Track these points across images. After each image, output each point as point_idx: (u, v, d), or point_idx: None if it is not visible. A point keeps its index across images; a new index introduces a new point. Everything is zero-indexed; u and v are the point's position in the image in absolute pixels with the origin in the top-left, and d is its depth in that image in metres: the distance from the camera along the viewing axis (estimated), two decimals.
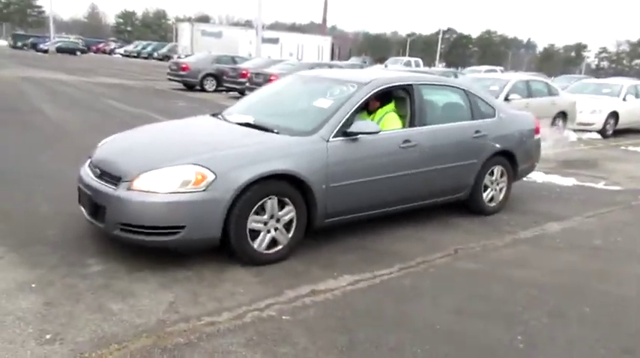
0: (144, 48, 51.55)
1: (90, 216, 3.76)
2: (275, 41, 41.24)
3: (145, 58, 49.16)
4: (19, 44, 52.08)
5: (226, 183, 3.49)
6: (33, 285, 3.25)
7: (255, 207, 3.63)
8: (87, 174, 3.93)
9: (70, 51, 46.03)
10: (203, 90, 19.10)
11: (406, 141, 4.53)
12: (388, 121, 4.73)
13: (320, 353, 2.74)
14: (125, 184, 3.51)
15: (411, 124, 4.70)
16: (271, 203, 3.71)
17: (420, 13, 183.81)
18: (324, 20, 59.29)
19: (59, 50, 45.04)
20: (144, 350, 2.65)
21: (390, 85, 4.76)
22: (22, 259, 3.63)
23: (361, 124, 4.18)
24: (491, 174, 5.37)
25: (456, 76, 15.71)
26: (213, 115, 4.91)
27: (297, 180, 3.79)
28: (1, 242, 3.88)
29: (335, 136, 4.06)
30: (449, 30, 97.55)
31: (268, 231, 3.75)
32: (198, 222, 3.45)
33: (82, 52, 48.38)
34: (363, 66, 18.32)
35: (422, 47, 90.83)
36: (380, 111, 4.83)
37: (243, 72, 16.73)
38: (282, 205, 3.79)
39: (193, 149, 3.83)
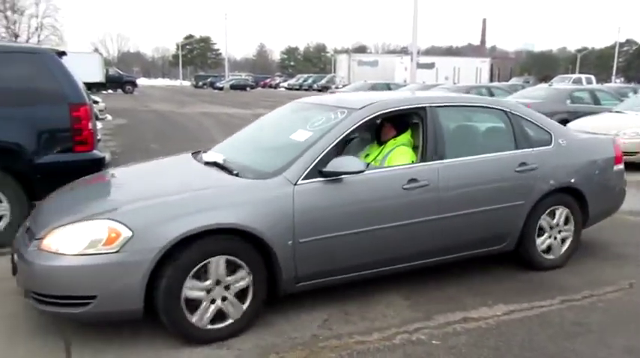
0: (305, 80, 54.90)
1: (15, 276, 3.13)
2: (430, 66, 41.10)
3: (306, 89, 52.35)
4: (200, 83, 59.18)
5: (148, 241, 2.79)
6: None
7: (193, 271, 2.89)
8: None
9: (241, 87, 50.89)
10: None
11: (412, 180, 3.51)
12: (396, 156, 3.80)
13: None
14: (36, 243, 2.90)
15: (423, 158, 3.66)
16: (215, 265, 2.94)
17: (592, 26, 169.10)
18: (483, 41, 57.58)
19: (232, 87, 50.08)
20: None
21: (393, 109, 3.74)
22: None
23: (339, 162, 3.27)
24: (549, 217, 4.15)
25: (635, 92, 14.09)
26: (195, 153, 4.11)
27: (250, 236, 3.02)
28: None
29: (306, 178, 3.21)
30: (627, 42, 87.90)
31: (213, 302, 2.98)
32: (112, 290, 2.77)
33: (252, 87, 53.19)
34: (525, 86, 17.36)
35: (595, 62, 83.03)
36: (391, 143, 3.92)
37: None
38: (234, 268, 3.03)
39: (117, 199, 3.28)
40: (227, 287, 3.01)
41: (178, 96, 36.21)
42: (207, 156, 3.77)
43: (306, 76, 59.42)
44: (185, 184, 3.34)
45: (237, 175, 3.34)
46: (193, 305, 2.93)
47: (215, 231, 2.93)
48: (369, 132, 4.21)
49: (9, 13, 34.94)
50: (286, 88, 57.75)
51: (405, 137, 3.94)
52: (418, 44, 24.99)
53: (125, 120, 16.48)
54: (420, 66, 30.19)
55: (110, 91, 36.77)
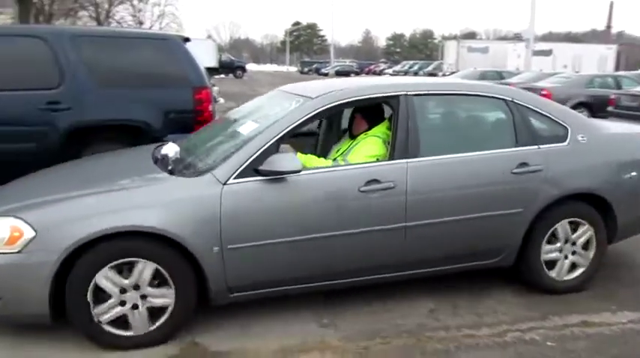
0: (410, 67, 53.85)
1: None
2: (547, 53, 38.49)
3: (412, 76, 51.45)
4: (306, 69, 60.30)
5: (51, 242, 2.56)
6: None
7: (92, 283, 2.64)
8: None
9: (346, 73, 51.05)
10: None
11: (373, 181, 3.00)
12: (360, 149, 3.34)
13: None
14: None
15: (392, 156, 3.13)
16: (105, 274, 2.65)
17: None
18: (609, 26, 52.86)
19: (337, 73, 50.45)
20: (404, 348, 2.83)
21: (352, 98, 3.20)
22: None
23: (274, 159, 2.83)
24: (562, 230, 3.42)
25: None
26: (158, 146, 3.67)
27: (170, 241, 2.69)
28: None
29: (239, 176, 2.81)
30: None
31: (135, 307, 2.74)
32: (16, 293, 2.58)
33: (356, 73, 53.18)
34: None
35: None
36: (361, 137, 3.47)
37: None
38: (159, 282, 2.77)
39: (33, 194, 2.90)
40: (144, 297, 2.74)
41: (284, 81, 36.95)
42: (165, 149, 3.32)
43: (412, 62, 58.24)
44: (113, 180, 3.01)
45: (170, 172, 3.00)
46: (104, 300, 2.70)
47: (130, 234, 2.66)
48: (353, 123, 3.69)
49: (135, 1, 37.80)
50: (391, 75, 57.23)
51: (379, 129, 3.46)
52: (534, 30, 23.53)
53: (235, 103, 17.25)
54: (535, 53, 28.35)
55: (222, 76, 38.63)
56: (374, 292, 3.40)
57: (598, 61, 38.96)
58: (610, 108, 11.24)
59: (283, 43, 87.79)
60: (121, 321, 2.74)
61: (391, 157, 3.13)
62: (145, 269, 2.68)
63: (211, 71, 34.88)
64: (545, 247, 3.41)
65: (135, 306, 2.73)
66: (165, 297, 2.76)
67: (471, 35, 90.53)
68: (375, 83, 3.58)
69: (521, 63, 31.31)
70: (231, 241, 2.78)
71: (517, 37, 34.30)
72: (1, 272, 2.55)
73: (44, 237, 2.56)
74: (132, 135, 4.85)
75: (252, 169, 2.84)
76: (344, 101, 3.20)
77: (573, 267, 3.51)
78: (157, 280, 2.75)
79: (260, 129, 3.06)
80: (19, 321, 2.83)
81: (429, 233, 3.13)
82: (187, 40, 5.39)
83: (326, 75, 50.13)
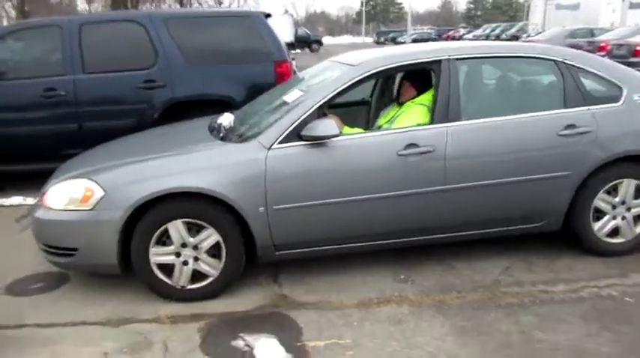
0: (492, 30, 51.43)
1: None
2: None
3: (494, 40, 49.18)
4: (382, 39, 59.35)
5: (116, 201, 2.89)
6: None
7: (155, 236, 2.95)
8: None
9: (424, 41, 49.85)
10: None
11: (411, 145, 3.09)
12: (405, 117, 3.36)
13: None
14: (40, 198, 3.19)
15: (432, 121, 3.18)
16: (175, 228, 2.95)
17: None
18: None
19: (414, 42, 49.32)
20: (479, 302, 2.97)
21: (393, 64, 3.28)
22: None
23: (314, 125, 2.99)
24: (612, 193, 3.34)
25: None
26: (215, 116, 3.93)
27: (218, 201, 2.94)
28: None
29: (283, 141, 3.00)
30: None
31: (185, 263, 3.02)
32: (91, 245, 2.95)
33: (434, 40, 51.75)
34: None
35: None
36: (408, 104, 3.50)
37: (602, 44, 15.09)
38: (197, 229, 3.01)
39: (104, 160, 3.25)
40: (196, 248, 3.00)
41: None
42: (221, 119, 3.64)
43: (494, 25, 55.56)
44: (172, 147, 3.32)
45: (222, 139, 3.26)
46: (167, 268, 3.02)
47: (181, 195, 2.92)
48: (402, 91, 3.71)
49: None
50: (471, 40, 55.02)
51: (426, 97, 3.44)
52: None
53: None
54: (632, 5, 26.09)
55: (298, 50, 39.03)
56: (447, 251, 3.54)
57: None
58: (601, 54, 10.33)
59: (359, 13, 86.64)
60: (168, 270, 3.04)
61: (431, 122, 3.20)
62: (178, 228, 2.95)
63: (288, 46, 35.60)
64: (597, 203, 3.35)
65: (196, 259, 3.03)
66: (209, 238, 3.00)
67: None
68: (419, 49, 3.65)
69: (616, 18, 28.96)
70: (275, 202, 2.99)
71: None
72: (77, 226, 2.94)
73: (112, 196, 2.90)
74: (219, 109, 5.22)
75: (296, 135, 3.02)
76: (385, 67, 3.30)
77: (636, 221, 3.44)
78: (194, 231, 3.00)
79: (303, 97, 3.24)
80: (92, 271, 3.23)
81: (470, 196, 3.18)
82: (269, 15, 5.66)
83: (403, 44, 49.16)
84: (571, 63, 3.38)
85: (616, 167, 3.30)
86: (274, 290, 3.21)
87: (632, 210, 3.40)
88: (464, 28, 68.77)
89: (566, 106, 3.30)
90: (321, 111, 3.14)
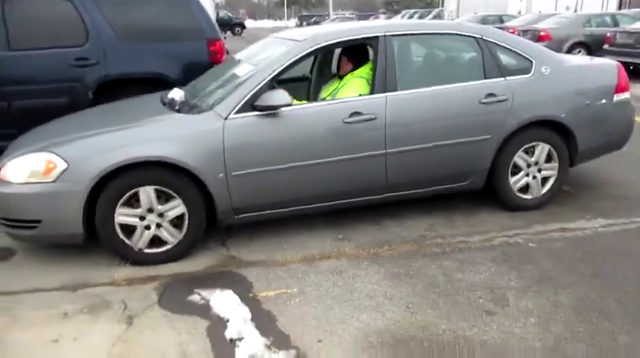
0: (411, 16, 53.08)
1: None
2: None
3: None
4: (304, 23, 59.50)
5: (80, 172, 3.00)
6: None
7: (123, 199, 3.09)
8: None
9: None
10: None
11: (355, 113, 3.41)
12: (347, 88, 3.69)
13: (562, 275, 3.02)
14: None
15: (373, 91, 3.52)
16: (146, 195, 3.11)
17: None
18: None
19: None
20: (408, 253, 3.36)
21: (336, 40, 3.59)
22: None
23: (268, 96, 3.24)
24: (526, 154, 3.83)
25: None
26: (165, 92, 4.11)
27: (181, 169, 3.13)
28: None
29: (239, 112, 3.23)
30: None
31: (147, 228, 3.19)
32: (54, 216, 3.05)
33: None
34: None
35: None
36: (348, 77, 3.83)
37: (510, 30, 16.21)
38: (166, 198, 3.20)
39: (64, 134, 3.31)
40: (161, 215, 3.18)
41: None
42: (172, 94, 3.82)
43: (412, 11, 57.22)
44: (131, 120, 3.41)
45: (178, 111, 3.45)
46: (129, 231, 3.17)
47: (144, 164, 3.07)
48: (339, 65, 4.07)
49: None
50: None
51: (363, 71, 3.79)
52: None
53: None
54: None
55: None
56: (379, 212, 3.91)
57: (601, 0, 38.24)
58: (606, 47, 11.47)
59: None
60: (129, 231, 3.19)
61: (372, 92, 3.52)
62: (148, 195, 3.12)
63: None
64: (515, 162, 3.82)
65: (159, 225, 3.21)
66: (176, 208, 3.18)
67: None
68: (358, 26, 3.95)
69: (523, 6, 30.97)
70: (234, 168, 3.22)
71: None
72: (40, 198, 3.02)
73: (75, 168, 3.01)
74: (153, 87, 5.27)
75: (250, 105, 3.24)
76: (329, 42, 3.58)
77: (544, 181, 3.95)
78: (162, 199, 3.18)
79: (254, 70, 3.47)
80: (55, 241, 3.29)
81: (407, 159, 3.54)
82: None
83: None
84: (489, 39, 3.80)
85: (530, 131, 3.77)
86: (223, 253, 3.43)
87: (543, 172, 3.91)
88: (383, 13, 70.24)
89: (485, 77, 3.72)
90: (272, 84, 3.37)
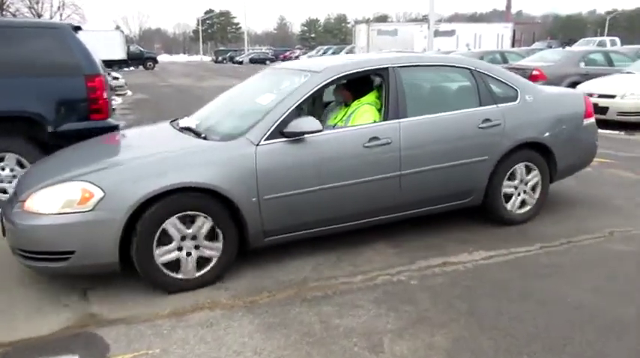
0: (325, 52, 54.60)
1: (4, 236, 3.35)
2: (451, 33, 40.32)
3: None
4: (220, 58, 59.51)
5: (117, 201, 3.02)
6: None
7: (156, 237, 3.13)
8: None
9: (261, 61, 50.94)
10: None
11: (374, 138, 3.68)
12: (359, 115, 3.91)
13: (439, 315, 2.96)
14: (19, 205, 3.15)
15: (386, 118, 3.80)
16: (172, 225, 3.15)
17: None
18: (508, 6, 56.02)
19: (252, 61, 50.18)
20: (287, 299, 3.17)
21: (352, 71, 3.85)
22: None
23: (298, 122, 3.42)
24: (514, 174, 4.28)
25: None
26: (173, 121, 4.34)
27: (215, 194, 3.22)
28: None
29: (269, 138, 3.40)
30: None
31: (189, 254, 3.26)
32: (89, 246, 3.02)
33: (271, 60, 53.06)
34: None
35: (624, 25, 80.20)
36: (355, 104, 4.05)
37: None
38: (191, 221, 3.25)
39: (92, 163, 3.32)
40: (194, 239, 3.24)
41: (198, 71, 36.56)
42: (183, 122, 4.03)
43: (325, 47, 58.90)
44: (156, 148, 3.51)
45: (204, 138, 3.55)
46: (171, 261, 3.21)
47: (180, 190, 3.12)
48: (340, 94, 4.29)
49: None
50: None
51: (370, 97, 4.02)
52: (441, 12, 24.72)
53: (145, 95, 16.92)
54: (439, 34, 29.77)
55: (132, 68, 37.33)
56: (264, 255, 3.72)
57: (497, 38, 41.35)
58: None
59: (196, 32, 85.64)
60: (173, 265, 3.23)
61: (385, 118, 3.79)
62: (204, 224, 3.22)
63: (120, 63, 33.86)
64: (505, 182, 4.25)
65: (197, 247, 3.27)
66: (215, 250, 3.31)
67: (383, 18, 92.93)
68: (368, 58, 4.21)
69: (427, 44, 32.69)
70: (266, 192, 3.36)
71: (425, 19, 35.72)
72: (76, 228, 2.99)
73: (112, 196, 3.02)
74: (27, 125, 4.85)
75: (279, 132, 3.42)
76: (345, 73, 3.84)
77: (523, 203, 4.39)
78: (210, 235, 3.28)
79: (279, 99, 3.64)
80: (89, 272, 3.23)
81: (419, 179, 3.83)
82: (78, 28, 5.39)
83: (241, 63, 49.65)
84: (481, 70, 4.25)
85: (518, 152, 4.21)
86: (82, 310, 3.08)
87: (529, 183, 4.35)
88: (299, 49, 71.81)
89: (481, 104, 4.14)
90: (298, 111, 3.60)
